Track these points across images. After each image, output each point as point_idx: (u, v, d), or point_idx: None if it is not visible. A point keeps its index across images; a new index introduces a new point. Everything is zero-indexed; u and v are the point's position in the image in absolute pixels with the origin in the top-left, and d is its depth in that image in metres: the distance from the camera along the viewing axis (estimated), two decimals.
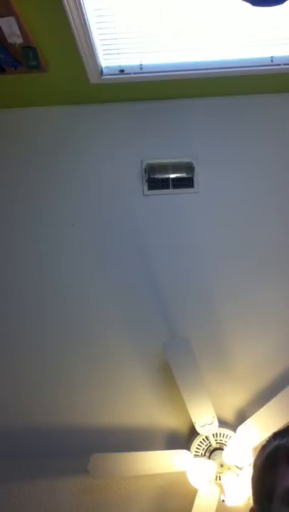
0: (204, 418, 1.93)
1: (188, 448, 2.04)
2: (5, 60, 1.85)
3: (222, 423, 2.04)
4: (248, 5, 1.29)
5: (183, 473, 1.93)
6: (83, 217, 2.30)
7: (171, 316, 2.22)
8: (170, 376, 1.97)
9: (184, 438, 2.15)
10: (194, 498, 1.95)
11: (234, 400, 2.16)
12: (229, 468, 1.97)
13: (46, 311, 2.25)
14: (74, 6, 1.62)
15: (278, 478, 0.76)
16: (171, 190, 2.29)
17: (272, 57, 2.02)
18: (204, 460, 1.98)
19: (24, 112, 2.35)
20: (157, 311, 2.22)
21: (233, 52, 2.00)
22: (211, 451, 2.03)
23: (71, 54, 1.89)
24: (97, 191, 2.31)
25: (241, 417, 2.09)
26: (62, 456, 2.17)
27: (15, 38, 1.71)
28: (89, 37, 1.80)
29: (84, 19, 1.70)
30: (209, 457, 2.02)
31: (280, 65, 2.03)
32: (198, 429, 1.95)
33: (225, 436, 2.02)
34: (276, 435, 0.84)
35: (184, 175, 2.30)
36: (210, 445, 2.03)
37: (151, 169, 2.30)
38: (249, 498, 1.84)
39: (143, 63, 2.03)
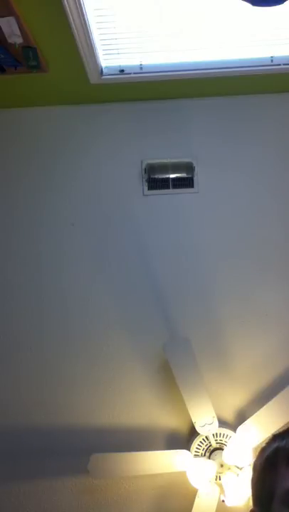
0: (204, 418, 1.93)
1: (188, 448, 2.04)
2: (5, 60, 1.85)
3: (222, 423, 2.04)
4: (248, 5, 1.29)
5: (183, 473, 1.93)
6: (83, 217, 2.30)
7: (171, 316, 2.22)
8: (170, 376, 1.97)
9: (184, 438, 2.15)
10: (194, 498, 1.95)
11: (234, 400, 2.16)
12: (229, 468, 1.97)
13: (46, 311, 2.25)
14: (74, 6, 1.62)
15: (278, 480, 0.75)
16: (171, 190, 2.29)
17: (272, 57, 2.01)
18: (204, 460, 1.98)
19: (24, 111, 2.35)
20: (157, 311, 2.22)
21: (233, 52, 2.00)
22: (211, 451, 2.03)
23: (71, 54, 1.89)
24: (97, 191, 2.31)
25: (241, 417, 2.10)
26: (62, 456, 2.17)
27: (15, 38, 1.71)
28: (89, 37, 1.80)
29: (84, 19, 1.70)
30: (209, 457, 2.02)
31: (280, 65, 2.03)
32: (198, 429, 1.95)
33: (225, 436, 2.02)
34: (275, 437, 0.84)
35: (184, 175, 2.30)
36: (210, 445, 2.03)
37: (151, 169, 2.30)
38: (249, 499, 1.84)
39: (143, 63, 2.03)
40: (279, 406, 1.89)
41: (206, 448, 2.04)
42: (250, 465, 1.87)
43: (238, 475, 1.93)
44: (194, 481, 1.91)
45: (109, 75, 2.07)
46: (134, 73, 2.05)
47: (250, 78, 2.12)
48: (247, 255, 2.24)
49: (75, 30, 1.74)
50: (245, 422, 1.92)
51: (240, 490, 1.86)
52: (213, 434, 2.01)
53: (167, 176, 2.30)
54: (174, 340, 2.12)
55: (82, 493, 2.17)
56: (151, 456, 1.97)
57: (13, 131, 2.35)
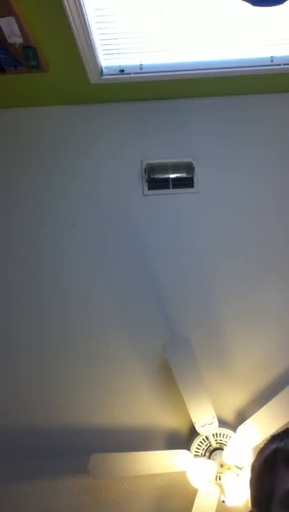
0: (204, 418, 1.93)
1: (188, 448, 2.04)
2: (5, 60, 1.85)
3: (222, 423, 2.04)
4: (248, 5, 1.29)
5: (183, 473, 1.93)
6: (83, 217, 2.30)
7: (171, 316, 2.22)
8: (170, 376, 1.97)
9: (184, 438, 2.15)
10: (194, 498, 1.95)
11: (234, 400, 2.16)
12: (229, 468, 1.97)
13: (46, 311, 2.25)
14: (74, 6, 1.62)
15: (277, 481, 0.75)
16: (171, 190, 2.29)
17: (272, 57, 2.01)
18: (204, 460, 1.99)
19: (24, 111, 2.35)
20: (157, 311, 2.22)
21: (233, 52, 2.00)
22: (211, 451, 2.03)
23: (71, 54, 1.89)
24: (97, 191, 2.31)
25: (241, 417, 2.10)
26: (62, 456, 2.17)
27: (15, 38, 1.71)
28: (89, 37, 1.80)
29: (84, 19, 1.70)
30: (209, 457, 2.02)
31: (280, 65, 2.03)
32: (198, 429, 1.95)
33: (225, 436, 2.02)
34: (274, 438, 0.84)
35: (184, 175, 2.30)
36: (210, 445, 2.03)
37: (151, 169, 2.30)
38: (248, 499, 1.84)
39: (143, 63, 2.03)
40: (279, 406, 1.89)
41: (206, 448, 2.04)
42: (249, 465, 1.87)
43: (238, 475, 1.93)
44: (194, 481, 1.91)
45: (109, 75, 2.06)
46: (134, 73, 2.05)
47: (250, 78, 2.12)
48: (247, 255, 2.24)
49: (75, 30, 1.74)
50: (245, 422, 1.92)
51: (240, 490, 1.86)
52: (213, 434, 2.01)
53: (167, 176, 2.30)
54: (174, 340, 2.12)
55: (82, 493, 2.17)
56: (151, 456, 1.97)
57: (13, 131, 2.35)
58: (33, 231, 2.30)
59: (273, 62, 2.02)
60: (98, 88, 2.16)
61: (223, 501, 1.92)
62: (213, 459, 1.99)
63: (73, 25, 1.71)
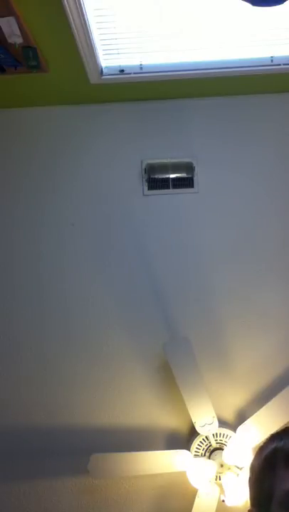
0: (204, 418, 1.93)
1: (188, 448, 2.04)
2: (5, 60, 1.85)
3: (222, 423, 2.04)
4: (248, 5, 1.29)
5: (183, 473, 1.93)
6: (83, 217, 2.30)
7: (171, 316, 2.22)
8: (170, 376, 1.97)
9: (184, 438, 2.15)
10: (194, 498, 1.95)
11: (234, 399, 2.16)
12: (229, 468, 1.97)
13: (46, 311, 2.25)
14: (74, 6, 1.62)
15: (277, 481, 0.75)
16: (171, 190, 2.29)
17: (272, 57, 2.01)
18: (204, 460, 1.98)
19: (24, 111, 2.35)
20: (157, 311, 2.22)
21: (233, 52, 2.00)
22: (211, 451, 2.03)
23: (71, 54, 1.89)
24: (97, 191, 2.31)
25: (241, 417, 2.10)
26: (62, 456, 2.17)
27: (15, 38, 1.71)
28: (89, 37, 1.80)
29: (84, 19, 1.70)
30: (209, 457, 2.02)
31: (280, 65, 2.03)
32: (198, 429, 1.95)
33: (225, 436, 2.02)
34: (274, 437, 0.84)
35: (184, 175, 2.30)
36: (210, 445, 2.03)
37: (151, 169, 2.30)
38: (248, 499, 1.84)
39: (143, 63, 2.03)
40: (279, 406, 1.89)
41: (206, 448, 2.04)
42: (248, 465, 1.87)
43: (238, 475, 1.93)
44: (194, 481, 1.91)
45: (109, 75, 2.07)
46: (134, 73, 2.05)
47: (250, 78, 2.12)
48: (247, 255, 2.24)
49: (75, 30, 1.74)
50: (245, 422, 1.92)
51: (240, 490, 1.86)
52: (213, 434, 2.01)
53: (167, 176, 2.30)
54: (174, 340, 2.12)
55: (82, 493, 2.17)
56: (151, 456, 1.97)
57: (13, 131, 2.35)
58: (33, 231, 2.30)
59: (273, 62, 2.02)
60: (98, 88, 2.16)
61: (223, 501, 1.92)
62: (213, 459, 1.99)
63: (73, 25, 1.71)
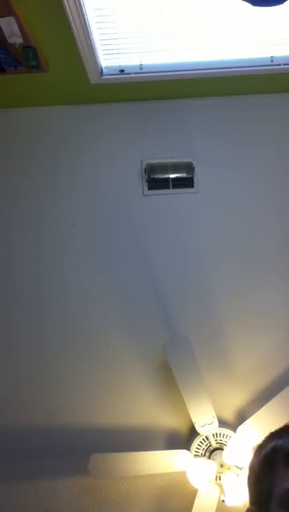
0: (204, 418, 1.93)
1: (188, 448, 2.04)
2: (5, 60, 1.85)
3: (222, 423, 2.04)
4: (248, 5, 1.29)
5: (183, 473, 1.93)
6: (83, 217, 2.30)
7: (171, 316, 2.22)
8: (170, 376, 1.97)
9: (184, 438, 2.15)
10: (194, 498, 1.95)
11: (234, 399, 2.16)
12: (229, 468, 1.97)
13: (46, 311, 2.25)
14: (74, 6, 1.62)
15: (276, 480, 0.75)
16: (171, 190, 2.29)
17: (272, 57, 2.01)
18: (204, 460, 1.98)
19: (24, 111, 2.35)
20: (157, 311, 2.22)
21: (233, 52, 2.00)
22: (211, 451, 2.03)
23: (71, 54, 1.89)
24: (97, 191, 2.31)
25: (241, 417, 2.10)
26: (62, 456, 2.17)
27: (15, 38, 1.71)
28: (89, 37, 1.80)
29: (84, 19, 1.70)
30: (209, 457, 2.02)
31: (280, 65, 2.03)
32: (198, 429, 1.95)
33: (225, 436, 2.02)
34: (273, 435, 0.83)
35: (184, 175, 2.30)
36: (210, 445, 2.03)
37: (151, 169, 2.30)
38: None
39: (143, 63, 2.03)
40: (279, 406, 1.89)
41: (206, 448, 2.04)
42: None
43: (238, 475, 1.93)
44: (194, 481, 1.91)
45: (109, 75, 2.07)
46: (134, 73, 2.05)
47: (250, 78, 2.12)
48: (247, 255, 2.24)
49: (75, 30, 1.74)
50: (245, 422, 1.92)
51: (240, 490, 1.86)
52: (213, 434, 2.01)
53: (167, 176, 2.30)
54: (174, 340, 2.12)
55: (82, 493, 2.17)
56: (151, 456, 1.97)
57: (13, 131, 2.36)
58: (33, 231, 2.30)
59: (273, 62, 2.02)
60: (98, 88, 2.16)
61: (223, 501, 1.92)
62: (213, 459, 1.99)
63: (73, 25, 1.71)
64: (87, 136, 2.34)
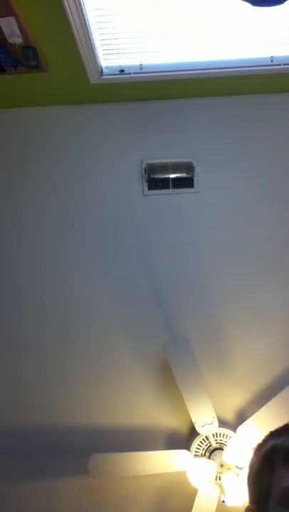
0: (204, 418, 1.93)
1: (188, 448, 2.04)
2: (5, 60, 1.85)
3: (222, 423, 2.04)
4: (248, 5, 1.29)
5: (183, 473, 1.93)
6: (83, 217, 2.30)
7: (171, 316, 2.22)
8: (170, 376, 1.97)
9: (184, 438, 2.15)
10: (194, 498, 1.95)
11: (234, 399, 2.16)
12: (229, 468, 1.97)
13: (47, 311, 2.25)
14: (74, 6, 1.62)
15: (275, 479, 0.75)
16: (171, 190, 2.29)
17: (272, 57, 2.01)
18: (204, 460, 1.98)
19: (24, 111, 2.35)
20: (157, 311, 2.22)
21: (233, 52, 2.00)
22: (211, 451, 2.03)
23: (71, 54, 1.89)
24: (98, 191, 2.31)
25: (241, 417, 2.09)
26: (62, 456, 2.17)
27: (15, 38, 1.71)
28: (89, 37, 1.80)
29: (84, 19, 1.70)
30: (209, 457, 2.02)
31: (280, 65, 2.03)
32: (198, 429, 1.95)
33: (225, 436, 2.02)
34: (273, 434, 0.84)
35: (184, 175, 2.30)
36: (210, 445, 2.03)
37: (151, 169, 2.30)
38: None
39: (143, 63, 2.03)
40: (279, 406, 1.89)
41: (206, 448, 2.04)
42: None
43: (238, 475, 1.93)
44: (194, 481, 1.91)
45: (109, 75, 2.06)
46: (134, 73, 2.05)
47: (250, 78, 2.12)
48: (247, 255, 2.24)
49: (75, 30, 1.74)
50: (245, 422, 1.92)
51: (240, 490, 1.86)
52: (213, 434, 2.01)
53: (167, 176, 2.30)
54: (174, 340, 2.12)
55: (82, 493, 2.17)
56: (151, 456, 1.97)
57: (13, 131, 2.35)
58: (34, 231, 2.30)
59: (273, 62, 2.02)
60: (98, 88, 2.16)
61: (223, 501, 1.92)
62: (213, 459, 1.99)
63: (73, 25, 1.71)
64: (87, 136, 2.34)
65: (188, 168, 2.30)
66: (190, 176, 2.29)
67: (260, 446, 0.84)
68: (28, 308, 2.25)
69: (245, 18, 1.81)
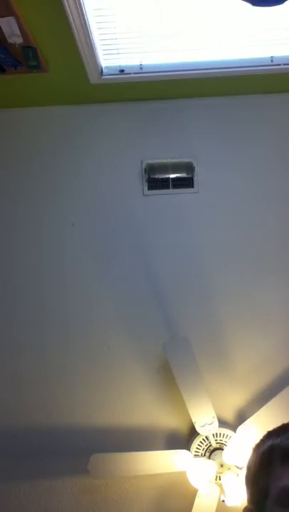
0: (204, 418, 1.93)
1: (188, 448, 2.04)
2: (5, 60, 1.85)
3: (222, 423, 2.04)
4: (248, 5, 1.29)
5: (183, 473, 1.93)
6: (83, 217, 2.30)
7: (171, 316, 2.22)
8: (170, 376, 1.97)
9: (184, 438, 2.15)
10: (194, 498, 1.95)
11: (234, 400, 2.16)
12: (229, 468, 1.97)
13: (47, 311, 2.25)
14: (74, 6, 1.62)
15: (273, 479, 0.75)
16: (171, 190, 2.29)
17: (272, 57, 2.01)
18: (204, 460, 1.99)
19: (24, 111, 2.35)
20: (157, 311, 2.22)
21: (233, 52, 2.00)
22: (211, 451, 2.03)
23: (71, 54, 1.89)
24: (98, 191, 2.31)
25: (241, 417, 2.10)
26: (62, 456, 2.17)
27: (15, 38, 1.71)
28: (89, 37, 1.80)
29: (84, 19, 1.70)
30: (209, 457, 2.02)
31: (280, 65, 2.03)
32: (198, 429, 1.95)
33: (225, 436, 2.02)
34: (270, 434, 0.84)
35: (184, 175, 2.30)
36: (210, 445, 2.03)
37: (151, 169, 2.30)
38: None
39: (143, 63, 2.03)
40: (279, 406, 1.89)
41: (206, 448, 2.04)
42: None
43: (238, 475, 1.93)
44: (194, 481, 1.91)
45: (109, 75, 2.06)
46: (134, 73, 2.05)
47: (250, 78, 2.12)
48: (247, 255, 2.24)
49: (75, 30, 1.74)
50: (245, 422, 1.92)
51: (241, 490, 1.86)
52: (213, 434, 2.01)
53: (167, 176, 2.30)
54: (174, 340, 2.12)
55: (82, 493, 2.17)
56: (151, 456, 1.97)
57: (13, 131, 2.35)
58: (34, 231, 2.30)
59: (273, 62, 2.02)
60: (98, 88, 2.16)
61: (223, 501, 1.92)
62: (213, 459, 1.99)
63: (73, 25, 1.71)
64: (87, 136, 2.34)
65: (188, 168, 2.30)
66: (190, 176, 2.29)
67: (257, 447, 0.84)
68: (28, 308, 2.25)
69: (245, 18, 1.81)
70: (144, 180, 2.30)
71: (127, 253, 2.26)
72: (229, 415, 2.15)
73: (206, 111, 2.32)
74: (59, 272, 2.27)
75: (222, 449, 2.00)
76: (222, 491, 1.92)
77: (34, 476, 2.18)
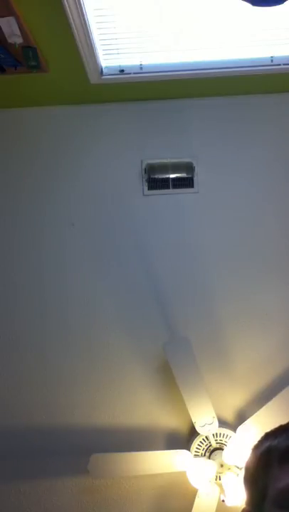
0: (204, 418, 1.93)
1: (188, 448, 2.04)
2: (5, 60, 1.85)
3: (222, 423, 2.04)
4: (248, 5, 1.29)
5: (183, 473, 1.93)
6: (83, 217, 2.30)
7: (171, 316, 2.22)
8: (170, 376, 1.97)
9: (184, 438, 2.15)
10: (194, 498, 1.95)
11: (234, 400, 2.16)
12: (229, 468, 1.97)
13: (47, 311, 2.25)
14: (74, 6, 1.62)
15: (270, 480, 0.75)
16: (171, 190, 2.29)
17: (272, 57, 2.01)
18: (204, 460, 1.99)
19: (24, 111, 2.35)
20: (157, 311, 2.22)
21: (233, 52, 2.00)
22: (211, 451, 2.03)
23: (71, 54, 1.89)
24: (98, 191, 2.31)
25: (241, 417, 2.10)
26: (62, 456, 2.17)
27: (15, 38, 1.71)
28: (89, 37, 1.80)
29: (84, 19, 1.70)
30: (209, 457, 2.02)
31: (280, 65, 2.03)
32: (198, 429, 1.95)
33: (225, 436, 2.02)
34: (268, 435, 0.84)
35: (184, 175, 2.30)
36: (210, 445, 2.03)
37: (151, 169, 2.30)
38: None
39: (143, 63, 2.03)
40: (279, 406, 1.89)
41: (206, 448, 2.04)
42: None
43: (238, 475, 1.93)
44: (194, 481, 1.91)
45: (109, 75, 2.07)
46: (134, 73, 2.05)
47: (250, 78, 2.12)
48: (247, 255, 2.24)
49: (75, 30, 1.74)
50: (245, 422, 1.92)
51: (240, 490, 1.86)
52: (213, 434, 2.01)
53: (167, 176, 2.30)
54: (174, 340, 2.12)
55: (82, 493, 2.17)
56: (151, 456, 1.97)
57: (13, 131, 2.36)
58: (34, 231, 2.30)
59: (273, 62, 2.02)
60: (98, 88, 2.16)
61: (223, 501, 1.92)
62: (213, 459, 1.99)
63: (73, 25, 1.71)
64: (87, 136, 2.34)
65: (188, 168, 2.30)
66: (190, 175, 2.29)
67: (255, 448, 0.84)
68: (28, 308, 2.25)
69: (245, 18, 1.81)
70: (144, 180, 2.30)
71: (127, 253, 2.26)
72: (229, 415, 2.15)
73: (206, 111, 2.32)
74: (59, 272, 2.27)
75: (222, 449, 2.00)
76: (222, 491, 1.92)
77: (34, 476, 2.18)
